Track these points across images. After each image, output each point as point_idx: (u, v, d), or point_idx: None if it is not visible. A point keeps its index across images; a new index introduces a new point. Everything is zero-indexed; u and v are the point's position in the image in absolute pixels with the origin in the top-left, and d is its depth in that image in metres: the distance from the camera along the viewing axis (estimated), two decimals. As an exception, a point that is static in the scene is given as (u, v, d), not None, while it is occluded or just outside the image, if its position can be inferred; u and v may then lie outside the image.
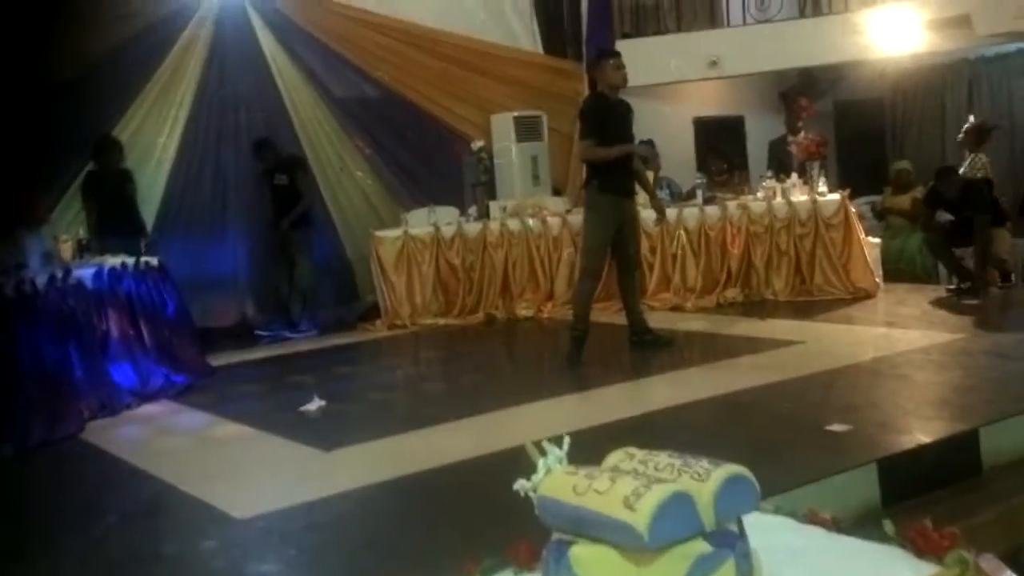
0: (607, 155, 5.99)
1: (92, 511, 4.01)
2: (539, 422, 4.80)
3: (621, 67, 6.13)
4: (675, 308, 7.91)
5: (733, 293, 8.01)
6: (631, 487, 1.43)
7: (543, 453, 1.64)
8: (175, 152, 8.34)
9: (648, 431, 4.49)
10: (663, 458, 1.59)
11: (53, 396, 5.21)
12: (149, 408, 5.81)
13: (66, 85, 7.77)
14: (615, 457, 1.70)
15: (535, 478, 1.59)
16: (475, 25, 9.56)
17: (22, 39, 7.46)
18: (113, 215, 7.44)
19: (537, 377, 6.43)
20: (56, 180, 7.74)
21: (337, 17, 9.02)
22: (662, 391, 5.40)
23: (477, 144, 8.79)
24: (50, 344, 5.30)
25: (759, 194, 8.27)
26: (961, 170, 7.97)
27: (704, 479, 1.47)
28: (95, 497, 4.28)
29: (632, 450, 1.70)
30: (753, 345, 6.35)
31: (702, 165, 9.66)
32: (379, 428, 4.88)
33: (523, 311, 8.15)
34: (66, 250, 6.36)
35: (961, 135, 8.41)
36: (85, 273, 5.90)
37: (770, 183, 8.26)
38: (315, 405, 5.35)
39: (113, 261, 6.25)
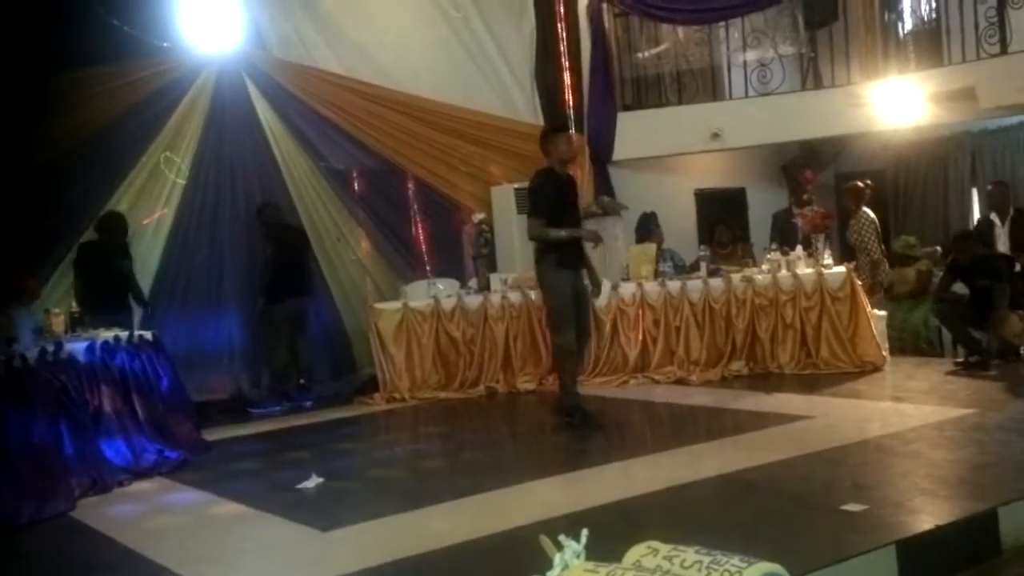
0: (558, 238, 6.22)
1: None
2: (539, 502, 4.68)
3: (571, 141, 6.45)
4: (679, 381, 7.80)
5: (738, 366, 7.91)
6: (659, 591, 1.28)
7: (559, 547, 1.52)
8: (171, 221, 8.29)
9: (653, 512, 4.36)
10: (690, 554, 1.48)
11: (43, 473, 5.09)
12: (142, 485, 5.69)
13: (61, 156, 7.79)
14: (637, 552, 1.57)
15: (551, 574, 1.49)
16: (475, 97, 9.58)
17: (19, 110, 7.50)
18: (106, 288, 7.40)
19: (538, 454, 6.26)
20: (48, 254, 7.68)
21: (334, 87, 9.01)
22: (666, 469, 5.22)
23: (478, 216, 8.74)
24: (41, 420, 5.20)
25: (764, 267, 8.19)
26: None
27: (737, 578, 1.33)
28: None
29: (655, 544, 1.57)
30: (760, 420, 6.21)
31: (706, 237, 9.59)
32: (377, 507, 4.77)
33: (524, 384, 8.02)
34: (58, 324, 6.25)
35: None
36: (77, 347, 5.81)
37: (775, 256, 8.18)
38: (312, 482, 5.25)
39: (106, 335, 6.17)
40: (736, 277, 8.03)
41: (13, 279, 6.17)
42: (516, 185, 9.10)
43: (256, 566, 4.11)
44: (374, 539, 4.28)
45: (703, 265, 8.26)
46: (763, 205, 10.58)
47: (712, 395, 7.29)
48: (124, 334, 6.27)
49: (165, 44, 8.25)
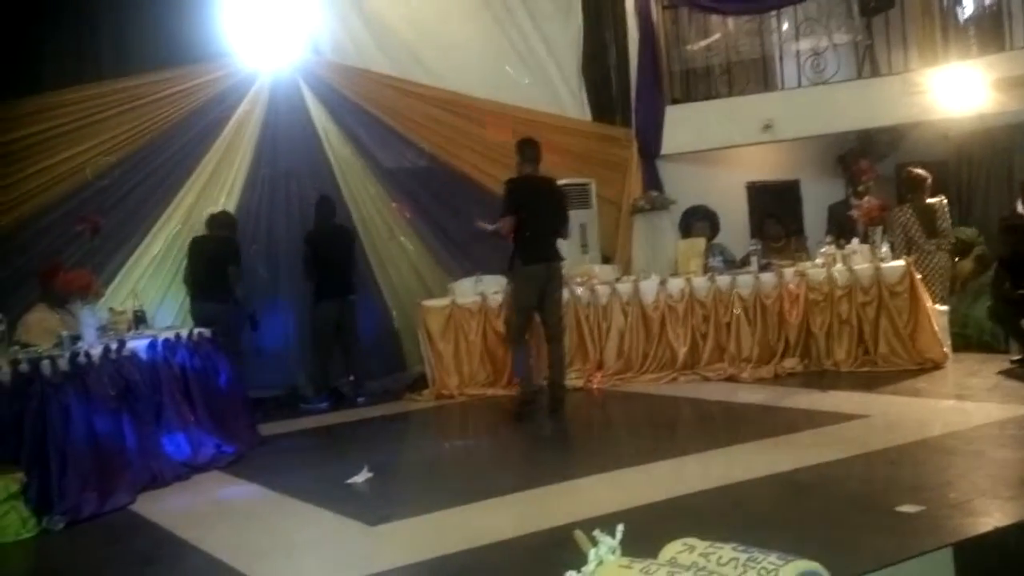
0: (502, 228, 6.76)
1: None
2: (586, 499, 4.63)
3: (522, 163, 6.91)
4: (730, 379, 7.64)
5: (792, 363, 7.71)
6: (693, 587, 1.21)
7: (594, 543, 1.46)
8: None
9: (701, 511, 4.26)
10: (726, 551, 1.42)
11: (105, 468, 5.18)
12: (200, 479, 5.79)
13: (125, 159, 8.06)
14: (673, 549, 1.51)
15: (586, 570, 1.46)
16: (522, 93, 9.56)
17: (82, 115, 7.83)
18: (207, 279, 7.65)
19: (586, 451, 6.21)
20: (113, 255, 7.91)
21: (385, 88, 9.12)
22: (717, 467, 5.11)
23: (525, 212, 8.63)
24: (104, 416, 5.28)
25: (818, 260, 7.99)
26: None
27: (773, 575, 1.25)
28: (144, 572, 4.23)
29: (691, 541, 1.51)
30: (814, 419, 6.03)
31: (757, 231, 9.40)
32: (425, 503, 4.79)
33: (572, 381, 7.88)
34: (122, 322, 6.44)
35: None
36: (139, 345, 5.92)
37: (829, 249, 7.97)
38: (362, 477, 5.29)
39: (167, 333, 6.30)
40: (788, 272, 7.83)
41: (77, 279, 6.31)
42: (564, 181, 9.00)
43: (307, 560, 4.14)
44: (422, 534, 4.31)
45: (754, 259, 8.08)
46: (818, 197, 10.34)
47: (764, 393, 7.12)
48: (184, 331, 6.39)
49: (225, 50, 8.47)
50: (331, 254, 8.21)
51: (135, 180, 8.13)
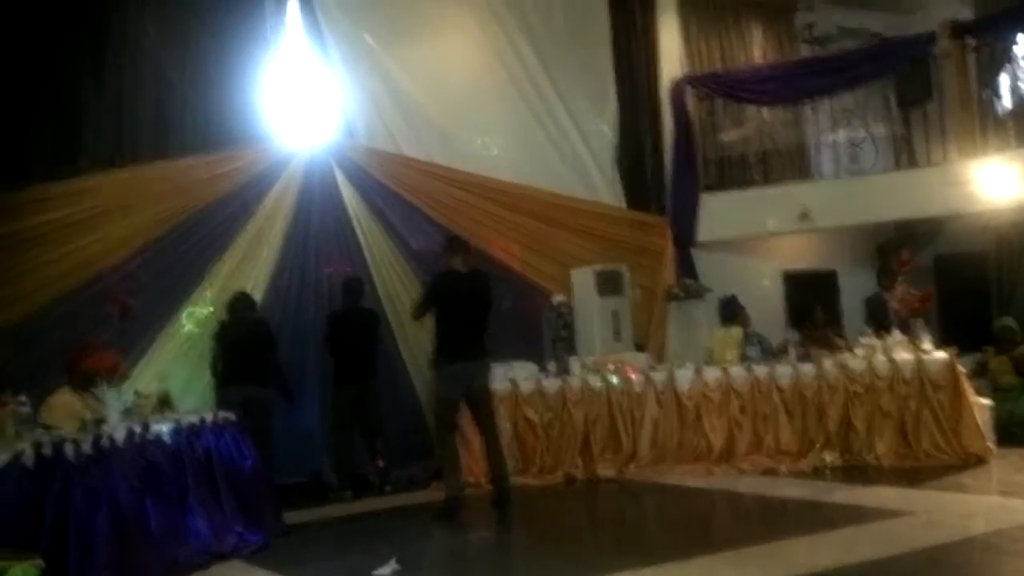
0: (414, 316, 7.18)
1: None
2: None
3: (449, 257, 7.00)
4: (767, 472, 7.40)
5: (831, 457, 7.47)
6: None
7: None
8: (259, 304, 8.33)
9: None
10: None
11: (126, 554, 5.07)
12: (221, 568, 5.63)
13: (154, 242, 8.02)
14: None
15: None
16: (555, 179, 9.57)
17: (114, 196, 7.82)
18: (238, 363, 7.58)
19: (618, 545, 6.00)
20: (139, 337, 7.82)
21: (415, 172, 9.14)
22: (754, 565, 4.89)
23: (557, 298, 8.61)
24: (126, 500, 5.17)
25: (858, 351, 7.80)
26: None
27: None
28: None
29: None
30: (856, 515, 5.83)
31: (796, 320, 9.23)
32: None
33: (604, 471, 7.71)
34: (147, 405, 6.37)
35: None
36: (164, 428, 5.83)
37: (870, 339, 7.79)
38: (389, 569, 5.16)
39: (191, 416, 6.21)
40: (828, 362, 7.65)
41: (104, 360, 6.27)
42: (597, 268, 9.03)
43: None
44: None
45: (792, 349, 7.91)
46: (855, 287, 10.16)
47: (803, 487, 6.88)
48: (209, 416, 6.29)
49: (260, 133, 8.53)
50: (353, 336, 8.14)
51: (167, 261, 8.10)
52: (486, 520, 6.96)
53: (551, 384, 7.97)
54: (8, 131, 7.51)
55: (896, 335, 7.79)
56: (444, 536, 6.39)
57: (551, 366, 8.26)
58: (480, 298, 6.92)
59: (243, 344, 7.67)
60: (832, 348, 8.11)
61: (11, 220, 7.37)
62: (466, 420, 7.30)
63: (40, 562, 4.64)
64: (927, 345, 7.63)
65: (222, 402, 7.19)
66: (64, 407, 6.03)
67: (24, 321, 7.38)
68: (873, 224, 10.01)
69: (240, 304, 7.87)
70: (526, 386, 7.92)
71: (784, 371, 7.70)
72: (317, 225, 8.78)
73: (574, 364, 8.20)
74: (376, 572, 5.13)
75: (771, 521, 6.08)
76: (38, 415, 5.82)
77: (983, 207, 9.22)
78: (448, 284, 6.90)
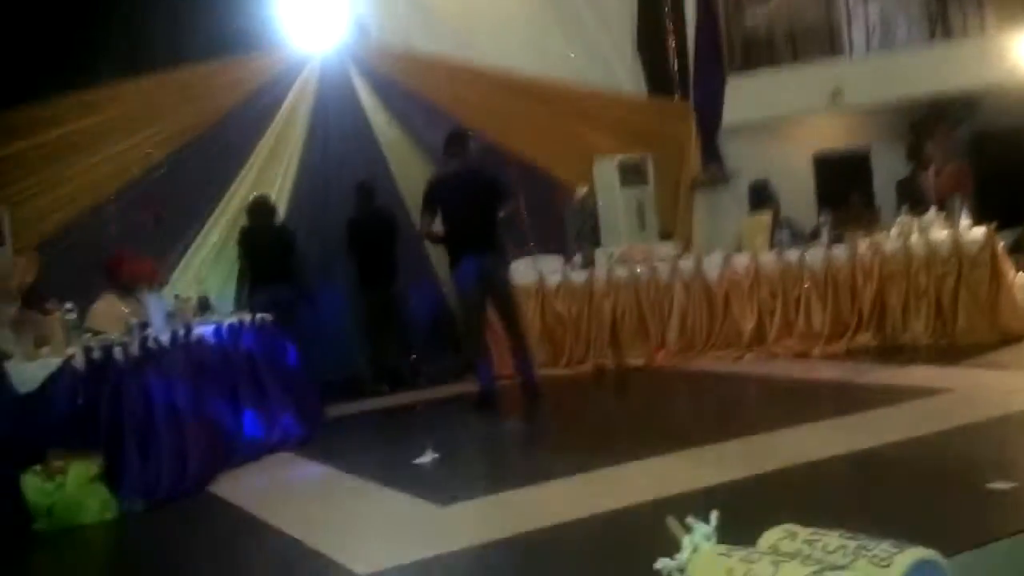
0: (421, 230, 6.98)
1: (223, 567, 4.08)
2: (656, 479, 4.39)
3: (446, 159, 6.88)
4: (800, 355, 7.30)
5: (865, 338, 7.34)
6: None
7: (687, 529, 1.41)
8: (284, 209, 8.39)
9: (778, 491, 4.01)
10: (833, 538, 1.32)
11: (181, 449, 5.22)
12: (272, 459, 5.81)
13: (181, 149, 8.06)
14: (773, 535, 1.39)
15: (680, 558, 1.39)
16: (575, 70, 9.32)
17: (136, 107, 7.88)
18: (263, 268, 7.64)
19: (653, 430, 5.92)
20: (174, 243, 7.95)
21: (432, 70, 8.98)
22: (790, 447, 4.78)
23: (581, 191, 8.42)
24: (177, 398, 5.31)
25: (892, 231, 7.59)
26: None
27: (887, 564, 1.21)
28: (223, 552, 4.30)
29: (793, 528, 1.39)
30: (892, 395, 5.67)
31: (831, 203, 9.00)
32: (492, 483, 4.83)
33: (633, 361, 7.66)
34: (187, 309, 6.48)
35: None
36: (206, 330, 5.98)
37: (905, 219, 7.57)
38: (428, 458, 5.26)
39: (230, 318, 6.36)
40: (862, 245, 7.46)
41: (141, 267, 6.41)
42: (619, 158, 8.85)
43: (380, 539, 4.12)
44: (492, 514, 4.26)
45: (823, 232, 7.71)
46: (890, 167, 9.89)
47: (837, 369, 6.76)
48: (247, 317, 6.45)
49: (275, 37, 8.46)
50: (371, 241, 8.14)
51: (192, 169, 8.14)
52: (518, 411, 7.00)
53: (577, 277, 7.90)
54: (26, 44, 7.53)
55: (932, 214, 7.55)
56: (478, 426, 6.45)
57: (577, 259, 8.17)
58: (480, 194, 6.61)
59: (265, 248, 7.73)
60: (866, 230, 7.90)
61: (38, 132, 7.50)
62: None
63: (100, 460, 4.90)
64: (965, 222, 7.40)
65: (250, 305, 7.25)
66: (109, 312, 6.14)
67: (62, 231, 7.55)
68: (907, 101, 9.70)
69: (260, 209, 7.88)
70: (553, 279, 7.84)
71: (815, 254, 7.53)
72: (335, 128, 8.71)
73: (600, 256, 8.10)
74: (416, 461, 5.21)
75: (804, 403, 5.97)
76: (84, 322, 5.94)
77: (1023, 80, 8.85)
78: (439, 188, 6.76)
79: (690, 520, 1.42)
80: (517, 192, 6.83)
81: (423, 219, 6.81)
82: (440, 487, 4.70)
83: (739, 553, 1.33)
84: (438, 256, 8.79)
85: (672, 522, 1.46)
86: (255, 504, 4.81)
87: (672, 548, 1.40)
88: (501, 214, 6.63)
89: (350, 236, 8.19)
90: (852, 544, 1.28)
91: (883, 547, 1.25)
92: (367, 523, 4.36)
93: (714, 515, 1.44)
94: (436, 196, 6.71)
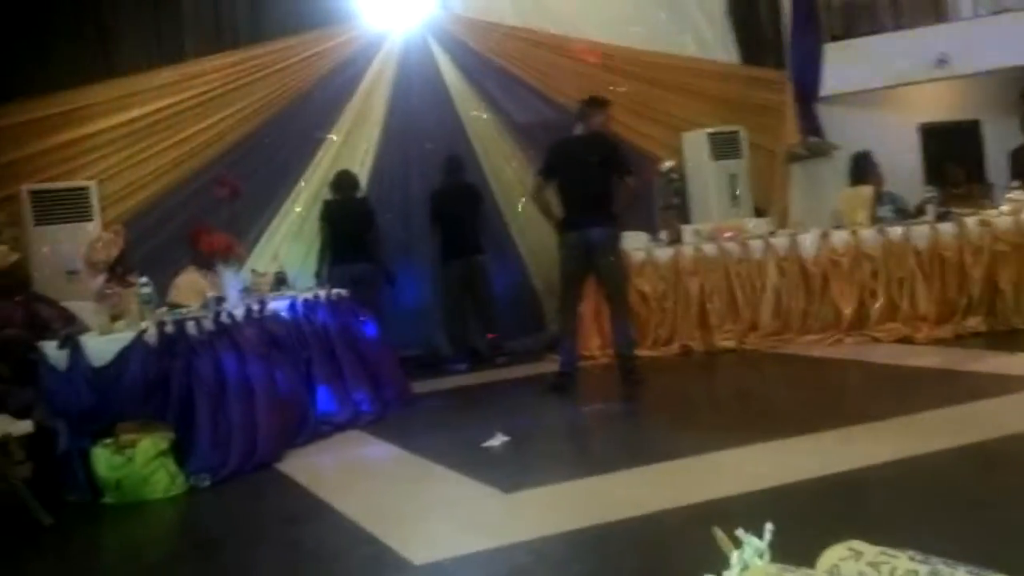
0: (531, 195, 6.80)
1: (275, 549, 4.05)
2: (736, 472, 4.20)
3: (574, 123, 6.57)
4: (903, 340, 6.89)
5: (975, 322, 6.91)
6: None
7: (737, 544, 1.27)
8: (365, 184, 8.35)
9: (870, 490, 3.77)
10: (902, 561, 1.14)
11: (251, 425, 5.22)
12: (341, 437, 5.81)
13: (263, 125, 8.12)
14: (835, 554, 1.23)
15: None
16: (663, 38, 9.00)
17: (220, 84, 7.97)
18: (343, 242, 7.69)
19: (739, 417, 5.69)
20: (255, 218, 7.99)
21: (515, 41, 8.80)
22: (888, 439, 4.47)
23: (666, 164, 8.13)
24: (249, 374, 5.31)
25: (1004, 207, 7.11)
26: None
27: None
28: (283, 531, 4.28)
29: (858, 546, 1.22)
30: (1003, 384, 5.31)
31: (933, 176, 8.50)
32: (562, 470, 4.66)
33: (723, 342, 7.35)
34: (264, 284, 6.60)
35: None
36: (281, 305, 6.04)
37: (1018, 194, 7.09)
38: (498, 441, 5.18)
39: (306, 293, 6.39)
40: (971, 221, 6.99)
41: (218, 241, 6.43)
42: (710, 130, 8.55)
43: (440, 526, 4.04)
44: (556, 504, 4.11)
45: (930, 208, 7.25)
46: (1002, 138, 9.30)
47: (944, 355, 6.37)
48: (323, 292, 6.49)
49: (355, 11, 8.43)
50: (455, 212, 8.06)
51: (274, 145, 8.19)
52: (600, 392, 6.82)
53: (663, 253, 7.61)
54: (112, 22, 7.73)
55: (1049, 188, 7.04)
56: (556, 409, 6.29)
57: (663, 235, 7.89)
58: (596, 161, 6.31)
59: (347, 223, 7.75)
60: (975, 205, 7.41)
61: (125, 109, 7.64)
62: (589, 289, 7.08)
63: (171, 434, 4.97)
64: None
65: (331, 280, 7.26)
66: (190, 285, 6.25)
67: (146, 208, 7.70)
68: (1020, 68, 9.05)
69: (343, 183, 7.91)
70: (637, 256, 7.55)
71: (921, 231, 7.09)
72: (417, 103, 8.63)
73: (687, 232, 7.80)
74: (485, 444, 5.12)
75: (908, 392, 5.62)
76: (167, 295, 6.11)
77: None
78: (558, 150, 6.52)
79: (740, 533, 1.29)
80: (637, 169, 6.52)
81: (536, 180, 6.62)
82: (507, 472, 4.61)
83: (792, 575, 1.21)
84: (519, 229, 8.68)
85: (720, 535, 1.33)
86: (318, 484, 4.81)
87: (720, 563, 1.28)
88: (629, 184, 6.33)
89: (434, 207, 8.13)
90: (923, 569, 1.13)
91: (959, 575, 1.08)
92: (428, 509, 4.28)
93: (768, 529, 1.29)
94: (554, 159, 6.49)
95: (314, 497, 4.58)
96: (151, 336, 5.10)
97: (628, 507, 3.78)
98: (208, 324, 5.30)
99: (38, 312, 5.71)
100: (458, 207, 8.07)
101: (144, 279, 5.47)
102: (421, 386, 7.14)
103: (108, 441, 4.84)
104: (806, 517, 3.22)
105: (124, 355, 5.01)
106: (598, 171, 6.30)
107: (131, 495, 4.78)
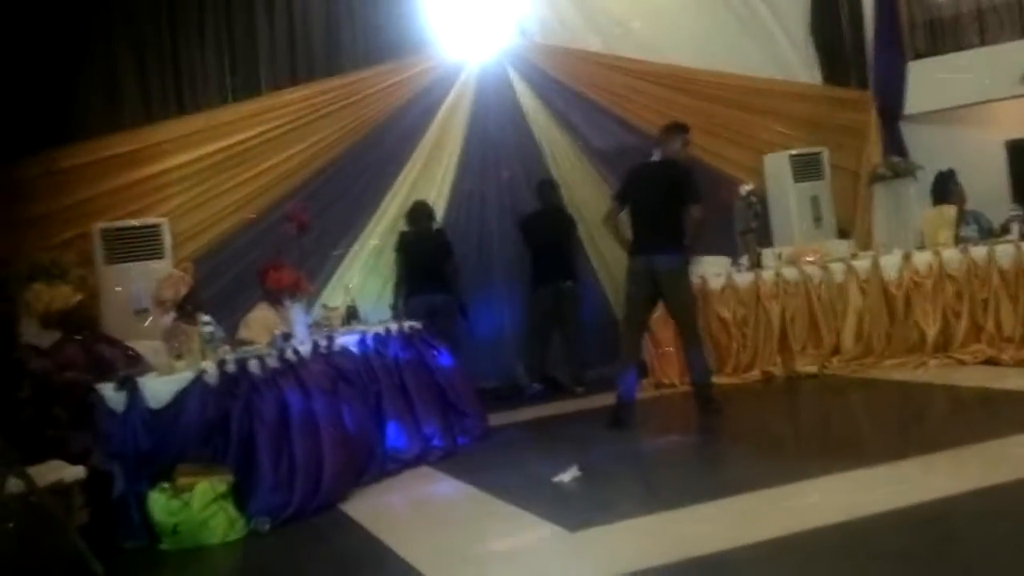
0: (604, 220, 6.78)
1: None
2: (815, 505, 4.14)
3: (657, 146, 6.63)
4: (989, 361, 6.80)
5: (1063, 344, 6.74)
6: None
7: None
8: (443, 213, 8.42)
9: (952, 521, 3.71)
10: None
11: (315, 465, 5.09)
12: (409, 475, 5.71)
13: (339, 158, 8.13)
14: None
15: None
16: (743, 59, 8.97)
17: (295, 117, 7.97)
18: (418, 273, 7.66)
19: (820, 446, 5.68)
20: (328, 253, 8.01)
21: (594, 66, 8.83)
22: (973, 467, 4.44)
23: (746, 187, 8.10)
24: (313, 413, 5.20)
25: (1095, 225, 6.96)
26: None
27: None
28: None
29: None
30: (1093, 409, 5.20)
31: (1022, 195, 8.33)
32: (634, 505, 4.54)
33: (805, 368, 7.32)
34: (334, 318, 6.54)
35: None
36: (349, 340, 5.92)
37: (1110, 212, 6.93)
38: (569, 475, 5.08)
39: (377, 327, 6.29)
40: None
41: (285, 277, 6.41)
42: (793, 151, 8.50)
43: (503, 569, 3.98)
44: (624, 542, 4.02)
45: (1014, 227, 7.14)
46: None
47: (1032, 378, 6.25)
48: (394, 325, 6.39)
49: (431, 41, 8.46)
50: (547, 237, 8.07)
51: (350, 177, 8.21)
52: (677, 422, 6.79)
53: (743, 279, 7.59)
54: (185, 57, 7.75)
55: None
56: (630, 440, 6.18)
57: (743, 259, 7.87)
58: (665, 188, 6.30)
59: (424, 254, 7.72)
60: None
61: (197, 145, 7.60)
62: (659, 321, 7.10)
63: (230, 476, 4.82)
64: None
65: (408, 312, 7.28)
66: (261, 322, 6.23)
67: (218, 246, 7.67)
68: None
69: (419, 214, 7.89)
70: (716, 282, 7.57)
71: (1005, 250, 7.00)
72: (495, 131, 8.66)
73: (768, 256, 7.78)
74: (556, 478, 5.06)
75: (994, 416, 5.53)
76: (236, 332, 6.06)
77: None
78: (632, 176, 6.57)
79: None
80: (707, 198, 6.53)
81: (610, 206, 6.69)
82: (576, 509, 4.55)
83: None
84: (600, 257, 8.72)
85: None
86: (381, 526, 4.71)
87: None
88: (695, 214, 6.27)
89: (525, 232, 8.15)
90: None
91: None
92: (491, 553, 4.19)
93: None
94: (628, 185, 6.56)
95: (377, 541, 4.48)
96: (211, 376, 4.94)
97: (696, 544, 3.73)
98: (272, 361, 5.19)
99: (101, 353, 5.52)
100: (549, 232, 8.09)
101: (207, 317, 5.39)
102: (497, 418, 7.07)
103: (165, 485, 4.71)
104: (884, 555, 3.21)
105: (182, 396, 4.85)
106: (667, 198, 6.29)
107: (189, 540, 4.63)
